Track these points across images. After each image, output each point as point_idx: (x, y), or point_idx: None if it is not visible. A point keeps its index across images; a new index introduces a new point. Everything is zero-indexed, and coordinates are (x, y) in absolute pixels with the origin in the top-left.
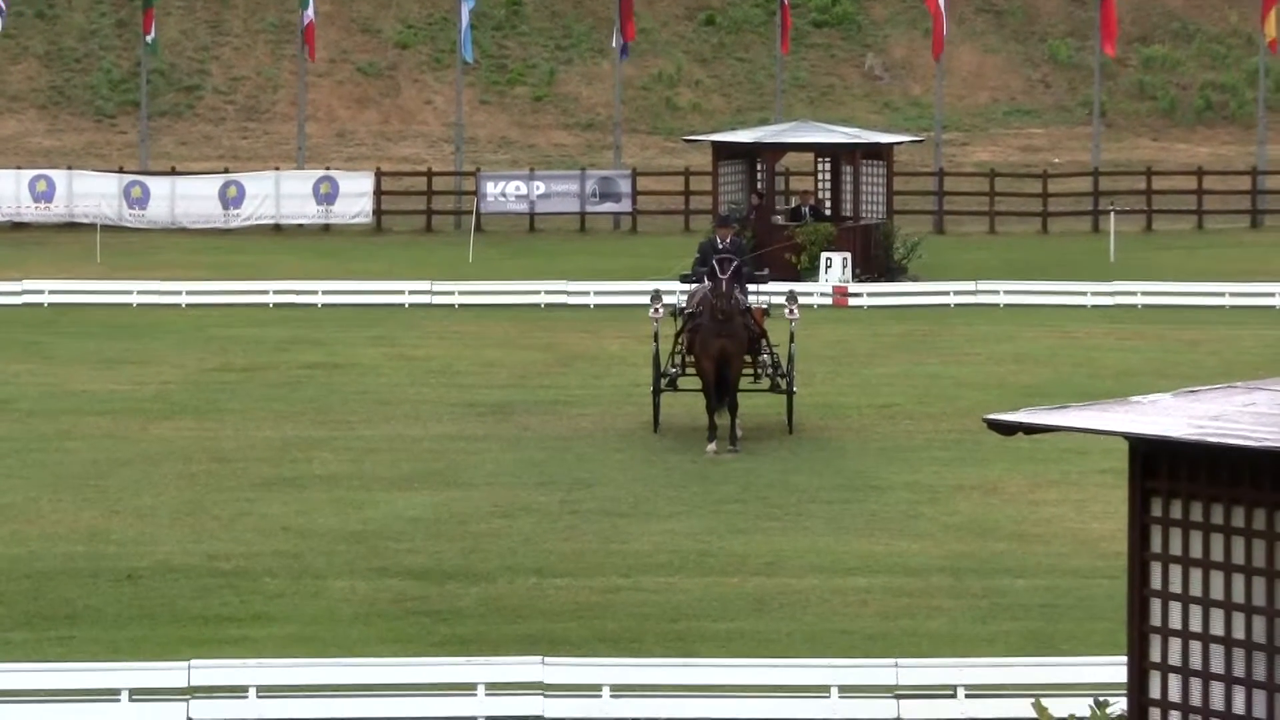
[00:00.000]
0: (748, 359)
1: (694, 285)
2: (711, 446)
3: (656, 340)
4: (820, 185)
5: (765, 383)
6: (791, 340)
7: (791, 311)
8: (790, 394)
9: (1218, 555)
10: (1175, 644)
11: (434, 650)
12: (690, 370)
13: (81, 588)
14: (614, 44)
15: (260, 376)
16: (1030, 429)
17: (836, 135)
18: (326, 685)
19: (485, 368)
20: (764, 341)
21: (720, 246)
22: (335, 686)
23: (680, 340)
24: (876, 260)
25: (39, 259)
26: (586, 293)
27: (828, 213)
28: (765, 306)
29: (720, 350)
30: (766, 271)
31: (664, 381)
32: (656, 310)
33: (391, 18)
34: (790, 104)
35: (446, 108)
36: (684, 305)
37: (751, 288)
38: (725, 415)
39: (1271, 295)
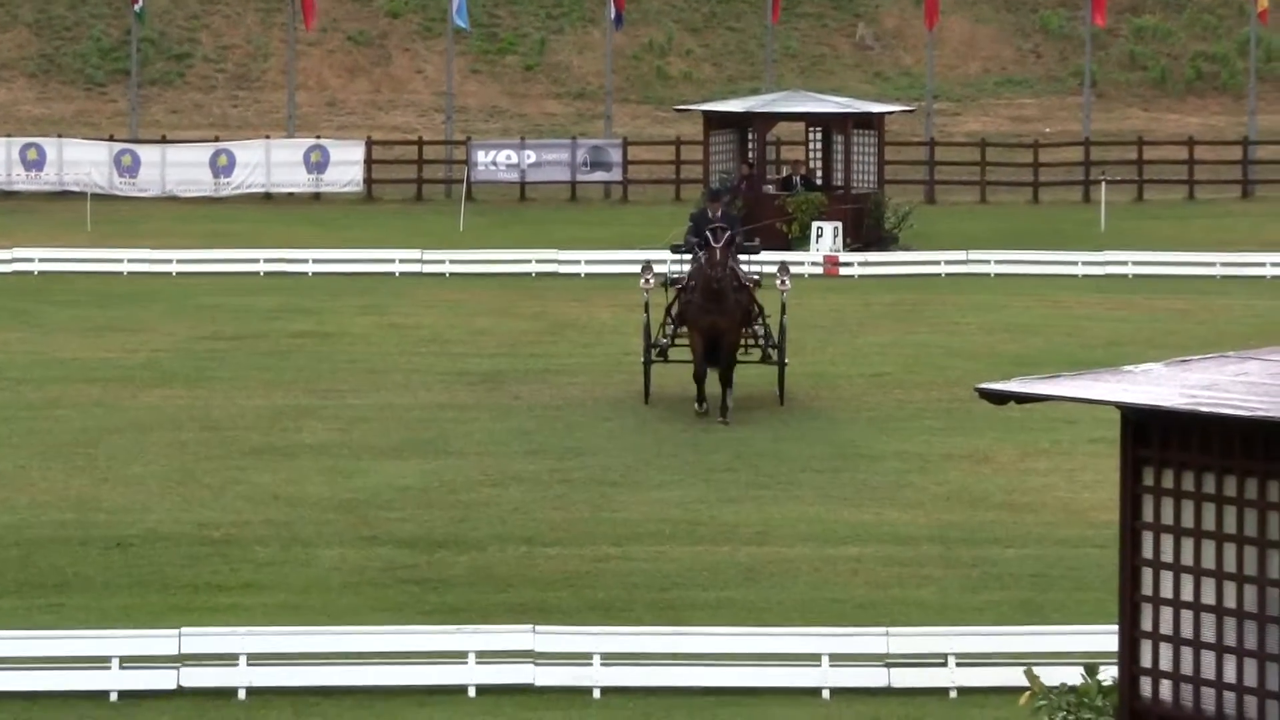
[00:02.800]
0: (743, 330)
1: (689, 258)
2: (702, 405)
3: (647, 310)
4: (811, 155)
5: (756, 354)
6: (783, 312)
7: (783, 282)
8: (781, 365)
9: (1209, 524)
10: (1166, 613)
11: (424, 619)
12: (681, 341)
13: (71, 556)
14: (607, 16)
15: (250, 345)
16: (1022, 398)
17: (828, 105)
18: (317, 653)
19: (476, 336)
20: (759, 315)
21: (712, 217)
22: (325, 654)
23: (670, 313)
24: (867, 230)
25: (29, 227)
26: (577, 262)
27: (819, 182)
28: (756, 278)
29: (711, 325)
30: (757, 241)
31: (655, 352)
32: (647, 280)
33: None
34: (781, 73)
35: (437, 76)
36: (676, 275)
37: (743, 258)
38: (716, 386)
39: (1262, 265)
